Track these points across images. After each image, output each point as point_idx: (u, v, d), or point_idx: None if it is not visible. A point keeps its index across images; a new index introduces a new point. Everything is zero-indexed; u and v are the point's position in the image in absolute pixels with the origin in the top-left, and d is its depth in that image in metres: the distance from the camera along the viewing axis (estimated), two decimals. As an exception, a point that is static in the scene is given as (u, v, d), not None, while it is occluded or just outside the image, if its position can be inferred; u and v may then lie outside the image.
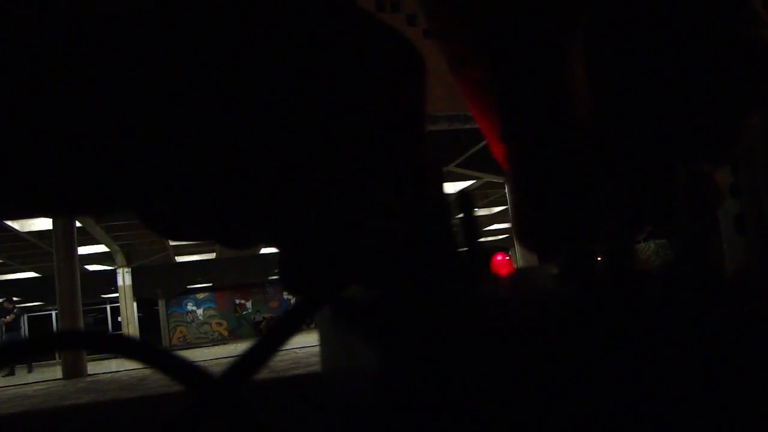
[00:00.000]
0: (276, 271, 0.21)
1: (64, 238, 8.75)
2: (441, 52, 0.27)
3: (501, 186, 9.80)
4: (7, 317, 12.27)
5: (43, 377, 9.71)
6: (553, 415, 0.16)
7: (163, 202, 0.19)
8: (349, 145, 0.20)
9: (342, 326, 0.22)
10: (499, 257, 0.25)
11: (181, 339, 20.44)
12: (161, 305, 20.67)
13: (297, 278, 0.20)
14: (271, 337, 0.20)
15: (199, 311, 21.05)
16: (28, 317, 20.74)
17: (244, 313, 21.22)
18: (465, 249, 0.22)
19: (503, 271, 0.25)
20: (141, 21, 0.17)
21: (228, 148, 0.18)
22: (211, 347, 17.33)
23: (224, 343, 19.04)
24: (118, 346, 0.19)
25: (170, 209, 0.20)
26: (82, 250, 10.94)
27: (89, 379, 8.32)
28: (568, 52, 0.22)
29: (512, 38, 0.22)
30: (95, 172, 0.17)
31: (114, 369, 10.13)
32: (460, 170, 8.33)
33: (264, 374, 0.23)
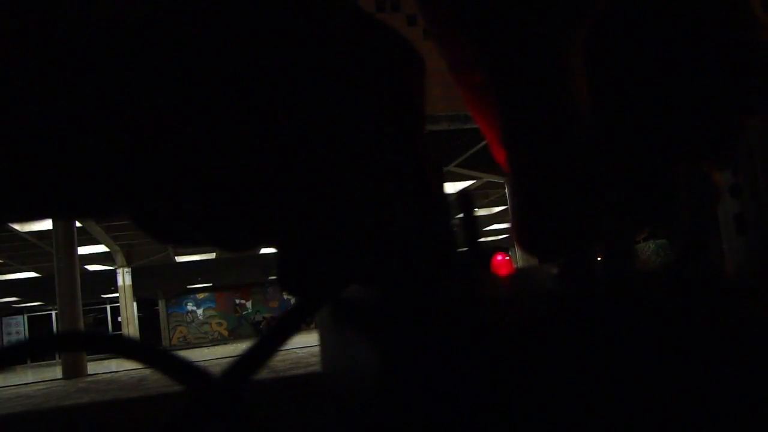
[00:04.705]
0: (276, 271, 0.21)
1: (64, 238, 8.75)
2: (441, 55, 0.27)
3: (501, 186, 9.80)
4: None
5: (43, 377, 9.71)
6: (552, 415, 0.16)
7: (161, 205, 0.19)
8: (349, 145, 0.20)
9: (342, 326, 0.22)
10: (499, 257, 0.25)
11: (181, 339, 20.44)
12: (161, 305, 20.67)
13: (295, 279, 0.20)
14: (271, 337, 0.20)
15: (199, 311, 21.04)
16: (28, 317, 20.73)
17: (244, 313, 21.21)
18: (465, 249, 0.22)
19: (503, 271, 0.25)
20: (140, 23, 0.17)
21: (227, 148, 0.18)
22: (211, 347, 17.32)
23: (224, 343, 19.03)
24: (118, 346, 0.19)
25: (168, 212, 0.20)
26: (82, 250, 10.94)
27: (89, 379, 8.31)
28: (568, 56, 0.22)
29: (512, 43, 0.22)
30: (93, 176, 0.17)
31: (114, 369, 10.13)
32: (460, 170, 8.33)
33: (264, 374, 0.23)
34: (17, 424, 0.42)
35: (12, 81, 0.16)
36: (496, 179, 8.99)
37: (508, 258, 0.25)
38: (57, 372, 9.87)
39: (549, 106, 0.22)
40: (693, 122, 0.24)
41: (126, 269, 14.06)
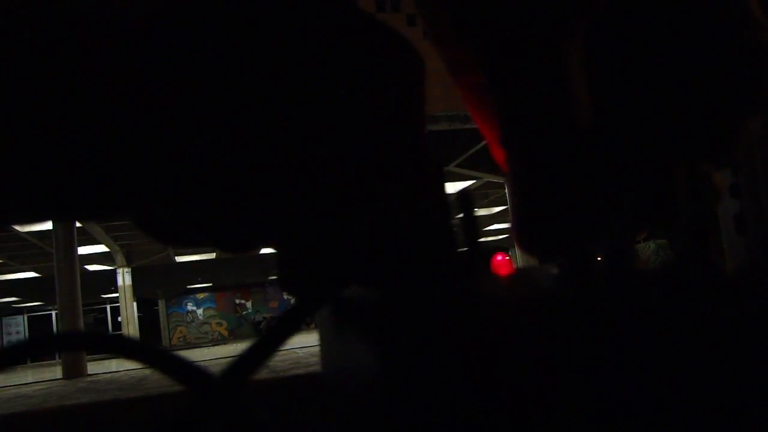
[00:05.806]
0: (276, 271, 0.21)
1: (64, 238, 8.76)
2: (440, 57, 0.27)
3: (501, 186, 9.80)
4: None
5: (43, 377, 9.71)
6: (552, 414, 0.16)
7: (161, 207, 0.19)
8: (349, 145, 0.20)
9: (342, 326, 0.22)
10: (499, 257, 0.25)
11: (181, 339, 20.44)
12: (161, 305, 20.67)
13: (295, 279, 0.20)
14: (271, 337, 0.20)
15: (199, 311, 21.04)
16: (28, 317, 20.73)
17: (244, 313, 21.21)
18: (465, 249, 0.22)
19: (503, 271, 0.25)
20: (141, 23, 0.17)
21: (227, 149, 0.18)
22: (211, 347, 17.32)
23: (224, 343, 19.03)
24: (118, 346, 0.19)
25: (168, 213, 0.19)
26: (82, 250, 10.94)
27: (89, 379, 8.31)
28: (568, 56, 0.22)
29: (512, 44, 0.22)
30: (93, 178, 0.17)
31: (114, 369, 10.12)
32: (460, 170, 8.33)
33: (264, 374, 0.23)
34: (17, 424, 0.42)
35: (12, 82, 0.16)
36: (496, 179, 8.99)
37: (508, 258, 0.25)
38: (57, 372, 9.87)
39: (548, 106, 0.22)
40: (693, 122, 0.24)
41: (126, 269, 14.06)
